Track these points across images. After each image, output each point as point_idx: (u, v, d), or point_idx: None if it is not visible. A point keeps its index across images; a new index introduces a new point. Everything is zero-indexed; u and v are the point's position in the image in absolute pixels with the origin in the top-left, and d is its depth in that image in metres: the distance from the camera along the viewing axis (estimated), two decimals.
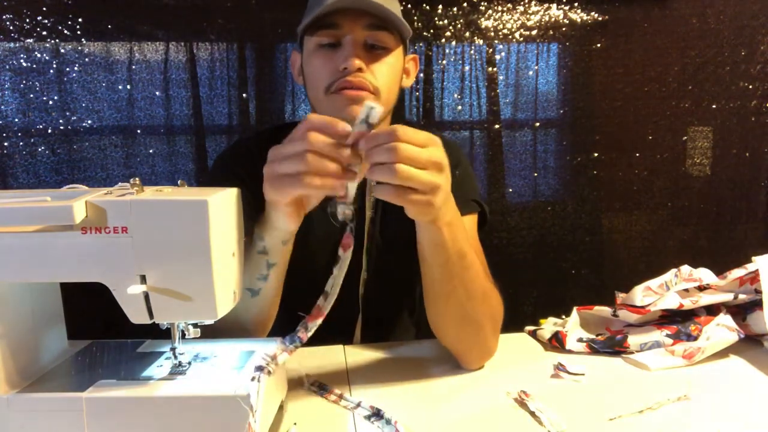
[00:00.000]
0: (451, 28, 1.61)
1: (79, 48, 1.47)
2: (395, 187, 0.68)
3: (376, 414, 0.74)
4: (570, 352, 0.95)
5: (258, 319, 0.84)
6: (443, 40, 1.63)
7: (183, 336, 0.67)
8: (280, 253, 0.80)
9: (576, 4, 1.65)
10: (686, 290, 0.97)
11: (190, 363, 0.68)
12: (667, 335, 0.94)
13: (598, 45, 1.68)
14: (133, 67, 1.51)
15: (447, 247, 0.77)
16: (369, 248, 1.03)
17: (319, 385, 0.83)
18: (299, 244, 0.86)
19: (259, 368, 0.65)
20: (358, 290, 1.04)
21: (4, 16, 1.41)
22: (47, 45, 1.45)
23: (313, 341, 0.74)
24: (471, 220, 1.01)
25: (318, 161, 0.66)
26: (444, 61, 1.65)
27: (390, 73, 0.92)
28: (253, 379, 0.63)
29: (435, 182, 0.68)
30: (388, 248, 1.03)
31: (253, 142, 1.04)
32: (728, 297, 0.96)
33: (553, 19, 1.65)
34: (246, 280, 0.79)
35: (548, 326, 1.03)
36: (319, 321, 0.72)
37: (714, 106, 1.75)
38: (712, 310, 0.98)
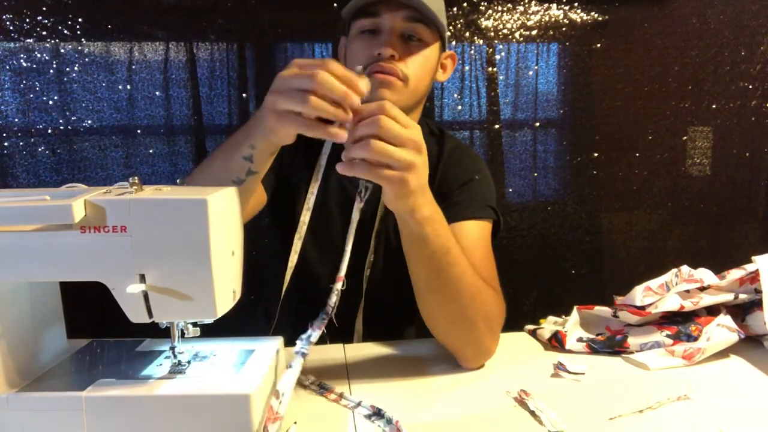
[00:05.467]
0: (451, 28, 1.61)
1: (79, 48, 1.47)
2: (369, 163, 0.69)
3: (377, 413, 0.74)
4: (570, 352, 0.95)
5: None
6: None
7: (182, 335, 0.67)
8: (264, 164, 0.79)
9: (576, 4, 1.65)
10: (687, 291, 0.97)
11: (189, 362, 0.68)
12: (667, 336, 0.94)
13: (598, 45, 1.68)
14: (133, 67, 1.51)
15: (429, 241, 0.78)
16: (379, 231, 1.04)
17: (319, 384, 0.83)
18: (317, 223, 0.98)
19: (300, 353, 0.70)
20: (364, 271, 1.05)
21: (4, 16, 1.41)
22: (47, 45, 1.45)
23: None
24: (485, 226, 1.01)
25: (321, 107, 0.66)
26: None
27: (422, 64, 0.98)
28: (289, 366, 0.68)
29: (411, 160, 0.69)
30: (399, 236, 1.04)
31: None
32: (729, 297, 0.96)
33: (553, 19, 1.65)
34: (219, 175, 0.79)
35: (548, 326, 1.03)
36: (339, 285, 0.78)
37: (714, 106, 1.74)
38: (712, 310, 0.98)
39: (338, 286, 0.77)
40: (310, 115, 0.66)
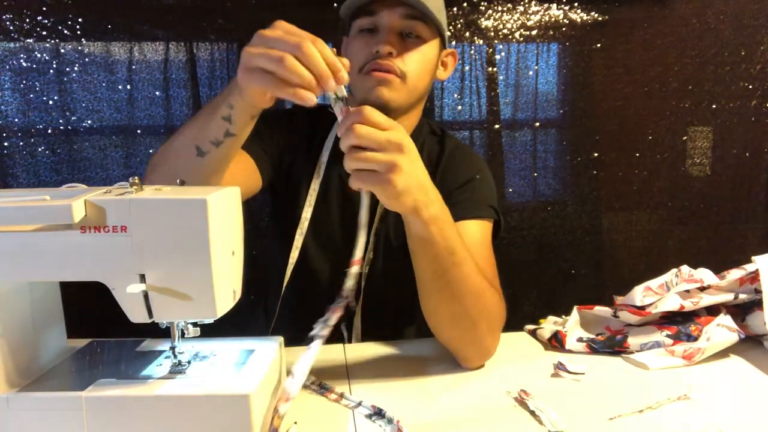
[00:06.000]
0: (451, 28, 1.61)
1: (79, 48, 1.47)
2: (359, 172, 0.70)
3: (378, 413, 0.74)
4: (570, 351, 0.95)
5: (198, 185, 0.78)
6: None
7: (182, 335, 0.67)
8: (243, 127, 0.77)
9: (576, 4, 1.65)
10: (687, 291, 0.97)
11: (189, 362, 0.68)
12: (668, 335, 0.94)
13: (598, 45, 1.68)
14: (133, 67, 1.51)
15: (435, 241, 0.78)
16: (378, 229, 1.04)
17: (320, 384, 0.83)
18: (318, 214, 1.01)
19: (318, 336, 0.69)
20: (362, 270, 1.05)
21: (4, 16, 1.41)
22: (47, 45, 1.45)
23: (314, 320, 0.74)
24: (486, 226, 1.02)
25: (296, 69, 0.64)
26: None
27: (420, 61, 0.98)
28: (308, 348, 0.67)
29: (390, 160, 0.69)
30: (398, 234, 1.04)
31: (293, 113, 1.13)
32: (729, 297, 0.96)
33: (553, 19, 1.65)
34: (198, 137, 0.77)
35: (548, 326, 1.03)
36: (356, 269, 0.74)
37: (714, 106, 1.74)
38: (712, 310, 0.98)
39: (354, 270, 0.75)
40: (282, 76, 0.65)
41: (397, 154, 0.70)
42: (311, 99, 0.66)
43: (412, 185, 0.73)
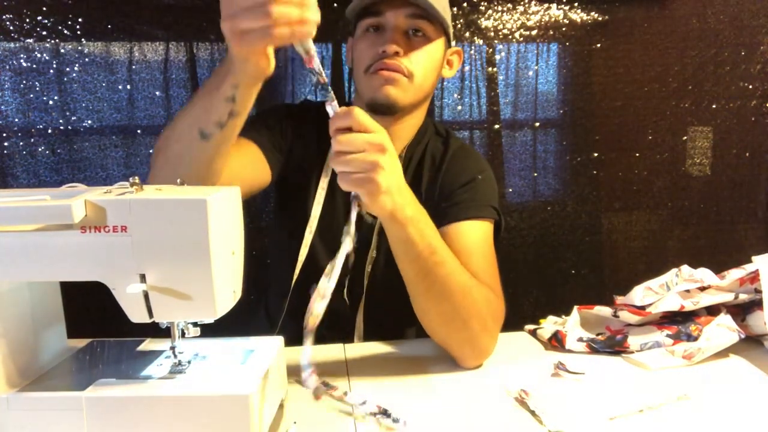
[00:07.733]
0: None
1: (79, 48, 1.47)
2: (342, 174, 0.74)
3: (383, 413, 0.74)
4: (570, 351, 0.95)
5: (203, 168, 0.79)
6: None
7: (182, 335, 0.67)
8: (246, 104, 0.76)
9: (576, 4, 1.65)
10: (687, 291, 0.97)
11: (189, 362, 0.68)
12: (668, 335, 0.94)
13: (598, 45, 1.68)
14: (133, 67, 1.51)
15: (415, 242, 0.80)
16: (381, 228, 1.04)
17: (323, 383, 0.82)
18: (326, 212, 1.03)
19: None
20: (365, 268, 1.06)
21: (4, 16, 1.41)
22: (47, 45, 1.45)
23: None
24: (486, 226, 1.01)
25: (283, 11, 0.64)
26: None
27: (426, 60, 0.99)
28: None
29: (372, 160, 0.72)
30: None
31: (304, 108, 1.13)
32: (729, 297, 0.96)
33: (553, 19, 1.65)
34: (200, 119, 0.76)
35: (548, 325, 1.03)
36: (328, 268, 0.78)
37: (714, 106, 1.74)
38: (712, 310, 0.98)
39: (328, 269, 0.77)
40: (278, 23, 0.64)
41: (378, 154, 0.72)
42: (308, 32, 0.68)
43: (393, 185, 0.75)
